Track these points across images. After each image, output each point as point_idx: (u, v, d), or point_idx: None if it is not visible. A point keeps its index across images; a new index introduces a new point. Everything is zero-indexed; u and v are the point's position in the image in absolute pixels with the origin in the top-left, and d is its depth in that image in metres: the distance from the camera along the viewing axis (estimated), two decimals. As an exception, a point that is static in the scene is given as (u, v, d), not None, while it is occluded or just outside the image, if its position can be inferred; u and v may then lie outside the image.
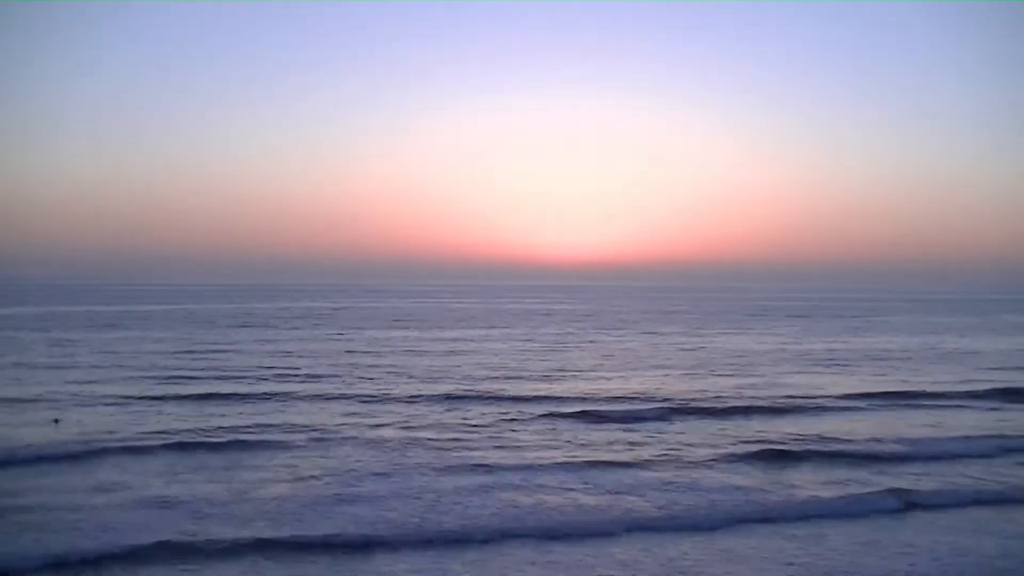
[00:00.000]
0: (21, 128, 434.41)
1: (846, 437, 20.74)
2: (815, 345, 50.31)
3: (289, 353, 41.53)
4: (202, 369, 33.81)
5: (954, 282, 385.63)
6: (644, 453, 18.67)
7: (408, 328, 64.33)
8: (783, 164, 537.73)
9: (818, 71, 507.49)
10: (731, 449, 19.17)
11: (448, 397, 26.70)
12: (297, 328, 62.69)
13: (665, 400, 26.39)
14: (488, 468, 17.09)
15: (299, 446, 19.15)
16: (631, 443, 19.85)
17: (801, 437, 20.64)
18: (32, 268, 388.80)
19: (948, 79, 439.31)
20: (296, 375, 32.15)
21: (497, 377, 32.39)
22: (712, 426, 22.35)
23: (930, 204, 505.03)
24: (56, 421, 21.42)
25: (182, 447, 18.82)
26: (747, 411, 24.60)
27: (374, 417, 23.01)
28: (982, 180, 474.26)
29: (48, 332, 54.93)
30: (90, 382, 29.35)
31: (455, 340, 52.29)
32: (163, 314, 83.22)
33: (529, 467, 17.21)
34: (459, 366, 36.36)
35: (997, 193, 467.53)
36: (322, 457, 18.05)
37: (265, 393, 27.08)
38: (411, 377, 32.01)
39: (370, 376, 32.20)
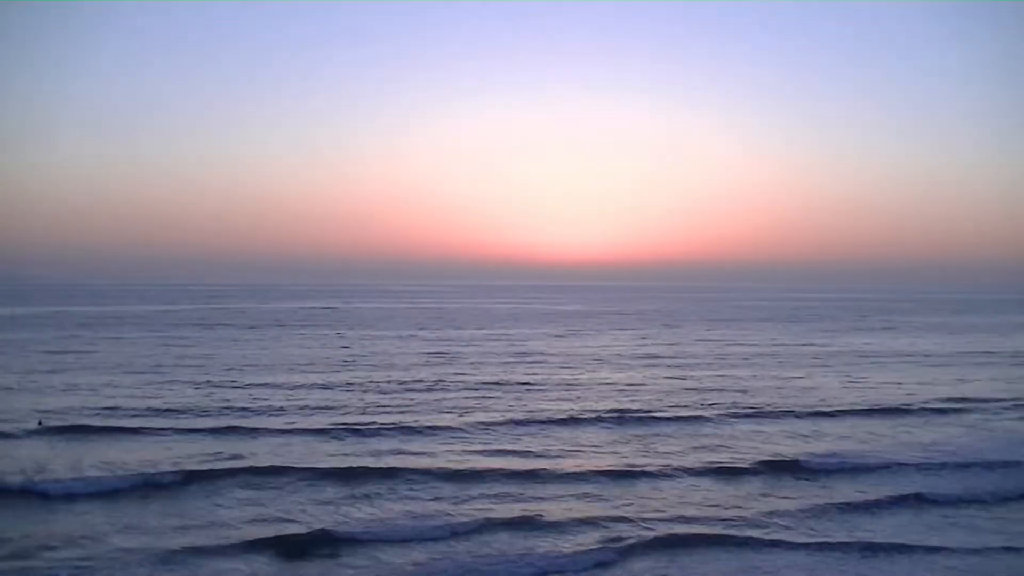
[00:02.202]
0: (21, 128, 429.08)
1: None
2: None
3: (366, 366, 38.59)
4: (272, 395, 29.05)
5: (955, 283, 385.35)
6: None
7: (485, 328, 61.67)
8: (784, 164, 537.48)
9: (818, 71, 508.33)
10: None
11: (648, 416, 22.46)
12: (339, 330, 59.98)
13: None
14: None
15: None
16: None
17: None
18: (32, 268, 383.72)
19: (948, 79, 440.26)
20: (414, 388, 28.56)
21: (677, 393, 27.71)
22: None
23: (930, 204, 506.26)
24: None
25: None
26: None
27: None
28: (983, 180, 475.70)
29: (78, 332, 52.26)
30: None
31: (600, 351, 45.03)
32: (175, 315, 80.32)
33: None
34: (624, 378, 31.53)
35: (998, 193, 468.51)
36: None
37: (372, 424, 21.11)
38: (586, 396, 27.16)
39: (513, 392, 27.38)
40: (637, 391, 27.46)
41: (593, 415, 22.58)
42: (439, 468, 16.44)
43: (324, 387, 27.64)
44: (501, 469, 16.50)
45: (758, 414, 22.98)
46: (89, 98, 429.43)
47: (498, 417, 22.09)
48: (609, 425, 21.40)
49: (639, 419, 22.10)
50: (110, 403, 23.47)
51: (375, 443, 18.93)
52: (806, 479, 16.35)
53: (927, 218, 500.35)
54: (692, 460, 17.52)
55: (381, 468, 16.40)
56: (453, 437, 19.61)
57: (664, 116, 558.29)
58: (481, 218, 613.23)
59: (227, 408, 23.03)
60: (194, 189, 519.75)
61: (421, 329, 58.78)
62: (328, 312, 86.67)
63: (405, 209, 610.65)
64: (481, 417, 22.10)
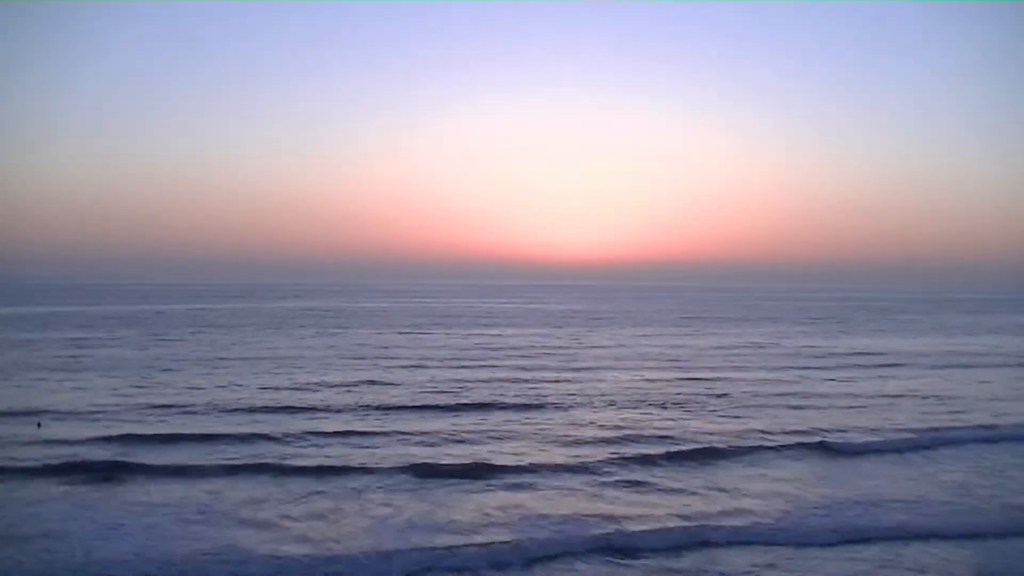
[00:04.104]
0: (21, 128, 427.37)
1: None
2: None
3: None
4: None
5: (956, 283, 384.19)
6: None
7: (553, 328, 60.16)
8: (784, 164, 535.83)
9: (818, 71, 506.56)
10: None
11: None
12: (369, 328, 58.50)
13: None
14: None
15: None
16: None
17: None
18: (32, 268, 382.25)
19: (948, 79, 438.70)
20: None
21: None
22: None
23: (931, 204, 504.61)
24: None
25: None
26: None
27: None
28: (984, 180, 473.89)
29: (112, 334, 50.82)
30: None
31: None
32: (176, 317, 78.90)
33: None
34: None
35: (998, 193, 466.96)
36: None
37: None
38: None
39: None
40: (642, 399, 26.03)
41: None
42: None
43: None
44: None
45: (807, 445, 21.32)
46: (89, 98, 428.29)
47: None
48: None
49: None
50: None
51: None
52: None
53: (927, 218, 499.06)
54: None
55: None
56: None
57: (665, 116, 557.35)
58: (481, 217, 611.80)
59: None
60: (194, 189, 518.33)
61: (420, 331, 57.40)
62: (338, 313, 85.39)
63: (405, 209, 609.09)
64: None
